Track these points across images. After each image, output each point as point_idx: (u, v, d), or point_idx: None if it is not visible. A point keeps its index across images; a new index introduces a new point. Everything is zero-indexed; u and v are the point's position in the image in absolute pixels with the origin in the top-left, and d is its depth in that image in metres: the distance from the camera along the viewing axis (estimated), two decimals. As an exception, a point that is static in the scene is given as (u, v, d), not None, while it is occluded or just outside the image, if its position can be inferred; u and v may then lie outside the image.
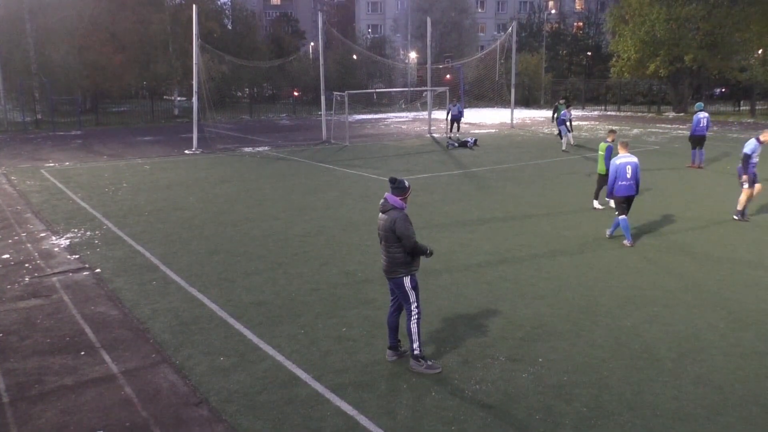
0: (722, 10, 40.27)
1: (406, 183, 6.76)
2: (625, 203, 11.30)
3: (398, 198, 6.67)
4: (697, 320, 7.96)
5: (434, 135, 31.69)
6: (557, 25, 72.97)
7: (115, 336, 7.75)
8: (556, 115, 27.07)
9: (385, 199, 6.70)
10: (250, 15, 62.79)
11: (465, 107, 46.66)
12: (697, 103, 20.89)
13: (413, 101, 50.93)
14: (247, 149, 26.89)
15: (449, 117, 29.83)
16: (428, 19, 34.46)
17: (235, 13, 61.94)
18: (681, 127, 35.39)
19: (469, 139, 27.11)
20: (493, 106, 49.41)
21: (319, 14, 31.41)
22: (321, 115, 30.30)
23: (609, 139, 13.77)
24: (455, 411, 5.93)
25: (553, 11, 78.37)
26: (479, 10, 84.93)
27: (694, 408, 5.94)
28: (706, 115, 19.85)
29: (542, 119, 42.08)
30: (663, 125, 36.54)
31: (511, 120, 36.76)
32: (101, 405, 6.18)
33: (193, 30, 25.76)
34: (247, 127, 38.45)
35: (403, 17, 75.52)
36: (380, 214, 6.74)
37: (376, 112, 48.20)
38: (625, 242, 11.32)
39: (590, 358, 6.94)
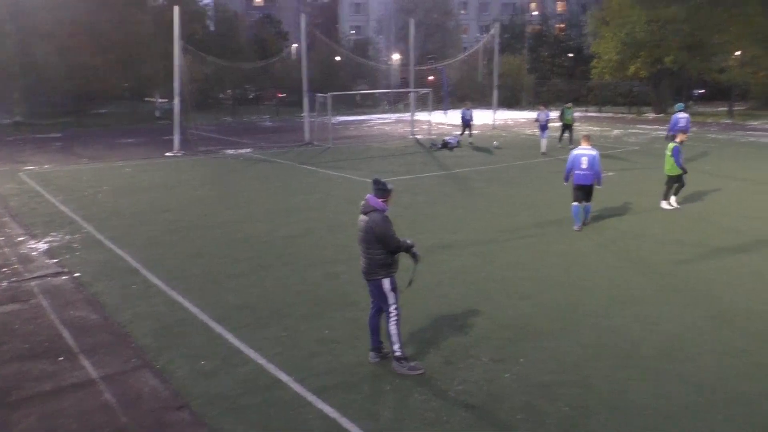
0: (704, 12, 40.63)
1: (389, 185, 6.71)
2: (580, 191, 12.16)
3: (380, 200, 6.63)
4: (683, 319, 8.03)
5: (417, 136, 31.73)
6: (539, 27, 73.44)
7: (95, 341, 7.66)
8: (568, 117, 26.57)
9: (366, 200, 6.66)
10: (233, 16, 62.51)
11: (448, 109, 46.87)
12: (678, 104, 21.09)
13: (396, 103, 50.97)
14: (230, 151, 26.74)
15: (462, 121, 28.97)
16: (411, 21, 34.52)
17: (218, 14, 61.63)
18: (660, 128, 35.71)
19: (451, 140, 27.08)
20: (476, 108, 49.57)
21: (302, 15, 31.32)
22: (304, 116, 30.22)
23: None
24: (438, 412, 5.93)
25: (535, 13, 78.87)
26: (462, 12, 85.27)
27: (677, 407, 5.99)
28: (686, 116, 20.03)
29: (524, 120, 42.29)
30: (643, 126, 36.88)
31: (493, 121, 36.90)
32: (81, 410, 6.11)
33: (175, 31, 25.58)
34: (230, 129, 38.25)
35: (387, 19, 75.61)
36: (361, 215, 6.68)
37: (359, 114, 48.19)
38: (575, 227, 12.15)
39: (575, 357, 6.98)
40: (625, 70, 44.82)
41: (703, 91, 54.65)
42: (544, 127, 24.44)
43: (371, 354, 6.95)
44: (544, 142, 24.46)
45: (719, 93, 47.54)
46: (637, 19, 41.86)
